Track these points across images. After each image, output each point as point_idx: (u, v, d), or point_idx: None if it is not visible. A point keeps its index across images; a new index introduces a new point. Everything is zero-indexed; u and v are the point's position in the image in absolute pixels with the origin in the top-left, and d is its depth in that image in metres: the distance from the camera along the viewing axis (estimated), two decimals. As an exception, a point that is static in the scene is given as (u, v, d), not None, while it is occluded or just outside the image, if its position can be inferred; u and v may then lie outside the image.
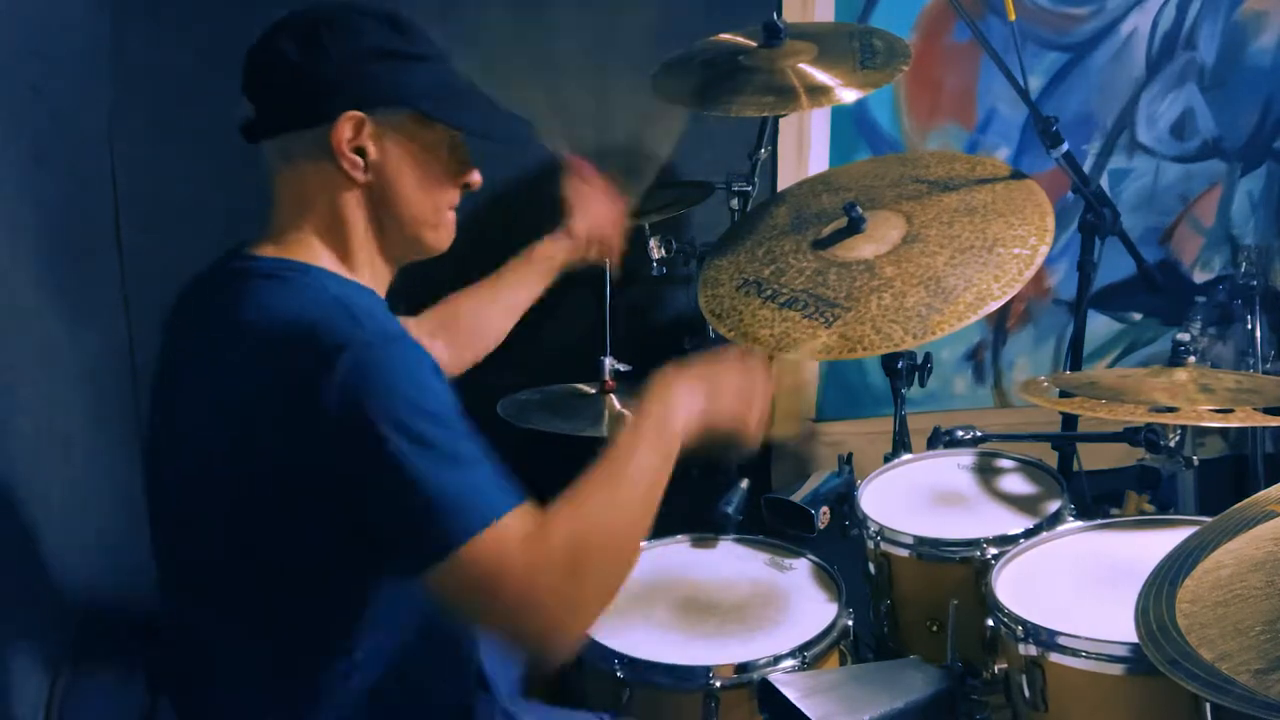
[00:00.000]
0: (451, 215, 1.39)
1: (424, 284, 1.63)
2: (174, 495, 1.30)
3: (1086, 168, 2.63)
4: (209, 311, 1.30)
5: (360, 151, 1.29)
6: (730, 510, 1.99)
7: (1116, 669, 1.44)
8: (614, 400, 2.21)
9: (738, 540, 1.93)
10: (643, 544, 1.33)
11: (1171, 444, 1.90)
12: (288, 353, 1.17)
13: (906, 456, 2.10)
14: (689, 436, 1.35)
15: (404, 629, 1.29)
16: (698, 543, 1.93)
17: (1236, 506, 1.40)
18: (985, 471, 2.03)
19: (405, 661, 1.29)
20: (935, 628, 1.82)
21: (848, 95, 2.05)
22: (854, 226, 2.05)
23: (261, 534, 1.20)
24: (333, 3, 1.32)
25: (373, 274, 1.35)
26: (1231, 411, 1.69)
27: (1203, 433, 2.75)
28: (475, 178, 1.40)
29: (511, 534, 1.15)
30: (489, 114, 1.37)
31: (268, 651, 1.24)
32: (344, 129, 1.28)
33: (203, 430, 1.24)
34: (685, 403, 1.36)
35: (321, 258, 1.31)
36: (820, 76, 2.08)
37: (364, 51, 1.29)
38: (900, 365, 2.20)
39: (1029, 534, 1.77)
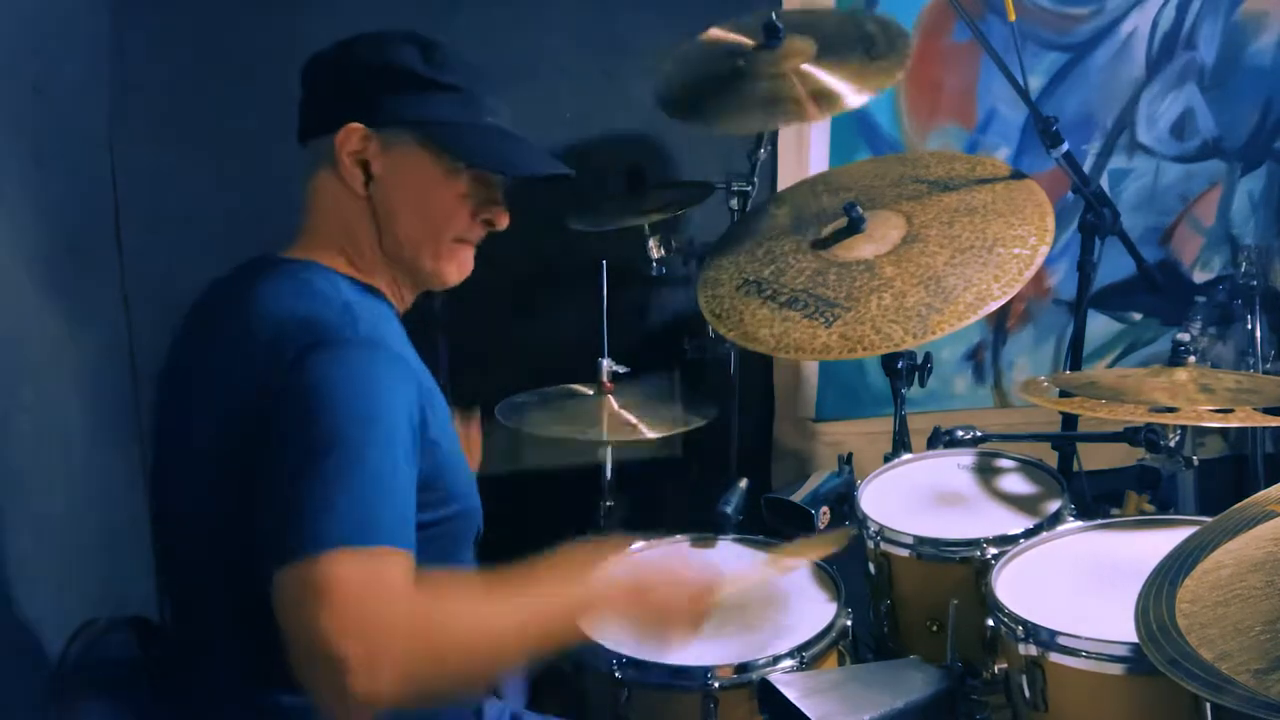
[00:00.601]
0: (462, 249, 1.39)
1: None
2: (173, 491, 1.30)
3: (1086, 168, 2.63)
4: (221, 307, 1.31)
5: (366, 166, 1.31)
6: (730, 510, 1.99)
7: (1116, 669, 1.44)
8: (612, 401, 2.21)
9: (737, 540, 1.93)
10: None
11: (1171, 444, 1.90)
12: (280, 342, 1.18)
13: (906, 456, 2.10)
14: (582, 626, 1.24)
15: None
16: (697, 542, 1.93)
17: (1236, 506, 1.40)
18: (985, 471, 2.03)
19: None
20: (935, 628, 1.82)
21: (855, 100, 2.04)
22: (854, 226, 2.05)
23: (241, 523, 1.18)
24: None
25: (389, 287, 1.37)
26: (1231, 411, 1.69)
27: (1203, 433, 2.75)
28: (500, 219, 1.40)
29: (373, 572, 1.08)
30: (503, 150, 1.37)
31: (266, 650, 1.23)
32: (347, 138, 1.31)
33: (202, 423, 1.24)
34: (614, 602, 1.28)
35: (338, 263, 1.34)
36: (825, 79, 2.06)
37: (383, 69, 1.32)
38: (900, 365, 2.20)
39: (1029, 534, 1.77)
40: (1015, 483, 2.00)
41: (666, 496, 2.46)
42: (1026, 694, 1.53)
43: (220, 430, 1.21)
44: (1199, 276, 2.97)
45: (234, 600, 1.23)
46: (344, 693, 1.04)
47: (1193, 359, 1.85)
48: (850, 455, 2.19)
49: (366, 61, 1.33)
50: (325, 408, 1.12)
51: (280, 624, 1.08)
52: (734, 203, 2.38)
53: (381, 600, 1.07)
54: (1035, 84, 2.67)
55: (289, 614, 1.07)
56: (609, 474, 2.20)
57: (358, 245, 1.35)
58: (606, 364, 2.22)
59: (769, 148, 2.43)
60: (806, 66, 2.10)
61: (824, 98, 2.04)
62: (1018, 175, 2.12)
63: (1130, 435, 1.95)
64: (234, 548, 1.21)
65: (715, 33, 2.27)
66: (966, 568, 1.79)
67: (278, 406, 1.14)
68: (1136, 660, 1.40)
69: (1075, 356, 2.32)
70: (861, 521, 1.91)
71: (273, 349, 1.18)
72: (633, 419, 2.17)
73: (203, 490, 1.24)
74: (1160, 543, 1.42)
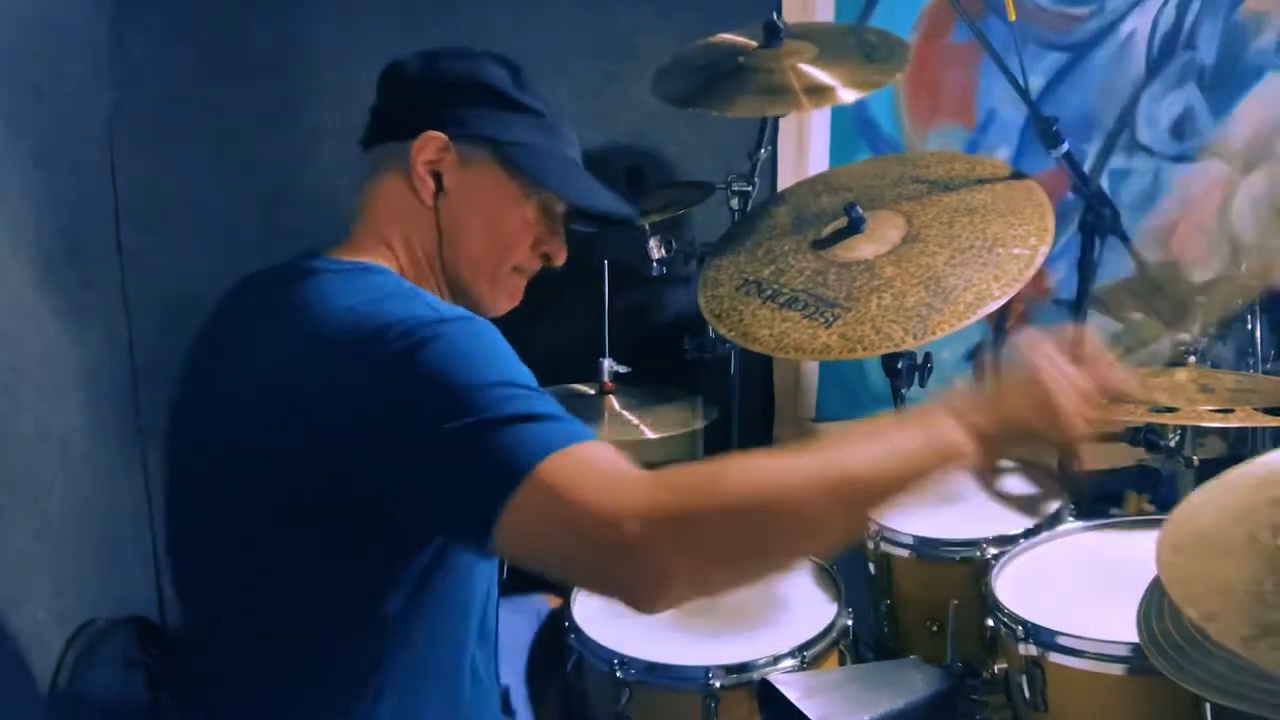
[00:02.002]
0: (516, 279, 1.39)
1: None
2: (203, 498, 1.25)
3: (1086, 168, 2.62)
4: (267, 306, 1.25)
5: (438, 177, 1.31)
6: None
7: (1116, 669, 1.44)
8: (614, 401, 2.21)
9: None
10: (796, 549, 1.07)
11: (1171, 444, 1.90)
12: (363, 341, 1.12)
13: (906, 456, 2.10)
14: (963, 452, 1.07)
15: (434, 652, 1.27)
16: None
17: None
18: (985, 471, 2.03)
19: (435, 685, 1.28)
20: (935, 628, 1.82)
21: (847, 95, 2.06)
22: (854, 226, 2.05)
23: (295, 537, 1.17)
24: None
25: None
26: (1231, 411, 1.69)
27: (1203, 433, 2.74)
28: (559, 254, 1.40)
29: (600, 455, 1.04)
30: (578, 183, 1.37)
31: (270, 650, 1.23)
32: (425, 146, 1.30)
33: (251, 429, 1.18)
34: (958, 418, 1.08)
35: (391, 266, 1.31)
36: (820, 76, 2.09)
37: (471, 83, 1.32)
38: (900, 365, 2.20)
39: (1029, 534, 1.77)
40: (1015, 483, 2.00)
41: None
42: (1026, 694, 1.53)
43: (277, 435, 1.15)
44: (1199, 276, 2.97)
45: (243, 600, 1.23)
46: (634, 577, 0.99)
47: (1193, 359, 1.85)
48: (850, 455, 2.18)
49: (454, 73, 1.33)
50: (461, 376, 1.08)
51: (537, 558, 1.04)
52: (734, 203, 2.38)
53: (618, 469, 1.02)
54: (1035, 84, 2.67)
55: (539, 538, 1.03)
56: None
57: (413, 254, 1.33)
58: (608, 364, 2.22)
59: (769, 148, 2.43)
60: (804, 65, 2.11)
61: (817, 91, 2.06)
62: (1018, 175, 2.12)
63: (1130, 435, 1.95)
64: (253, 547, 1.20)
65: (720, 36, 2.29)
66: (966, 568, 1.79)
67: (395, 399, 1.08)
68: (1136, 660, 1.40)
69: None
70: (861, 521, 1.91)
71: (360, 345, 1.12)
72: (634, 419, 2.17)
73: (235, 492, 1.19)
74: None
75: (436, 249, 1.33)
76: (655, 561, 0.99)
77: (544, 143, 1.35)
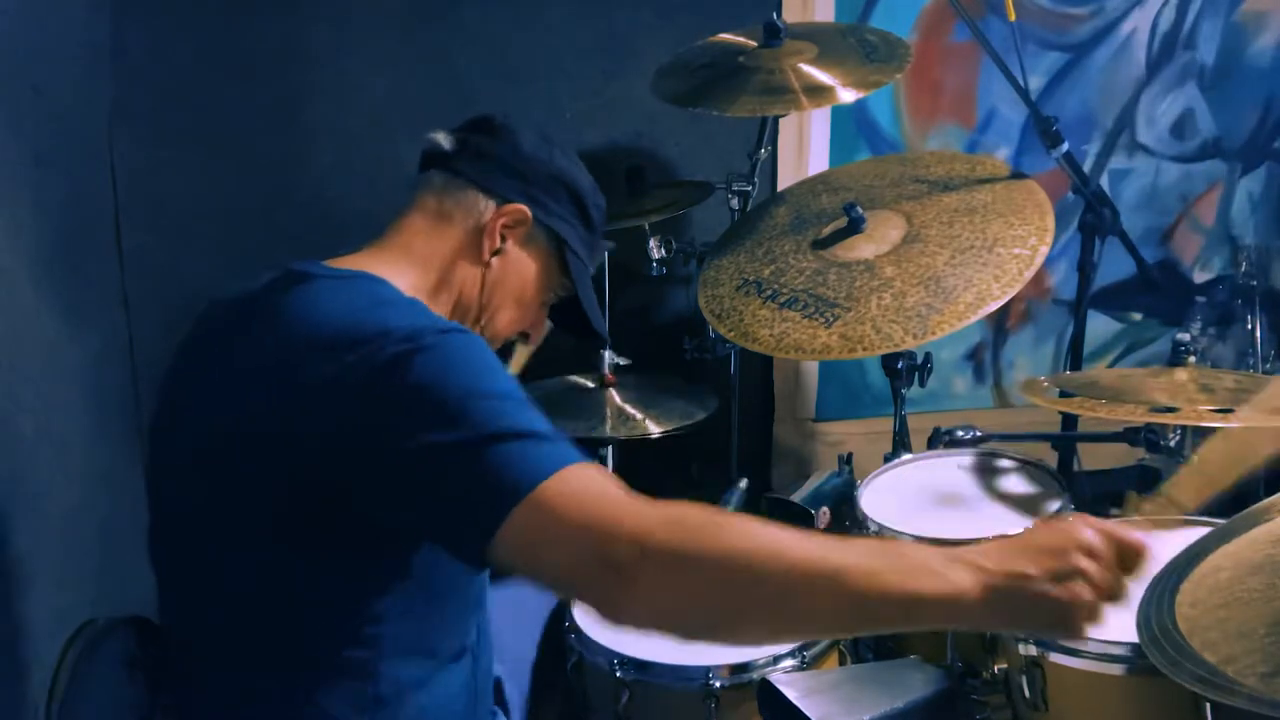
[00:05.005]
0: (498, 341, 1.49)
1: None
2: (195, 506, 1.25)
3: (1086, 168, 2.63)
4: (263, 309, 1.26)
5: (501, 239, 1.41)
6: (730, 509, 1.99)
7: (1116, 669, 1.44)
8: (614, 395, 2.20)
9: None
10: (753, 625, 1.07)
11: (1171, 444, 1.90)
12: (363, 342, 1.14)
13: (906, 456, 2.10)
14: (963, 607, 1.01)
15: (430, 650, 1.28)
16: None
17: (1248, 511, 1.39)
18: (985, 471, 2.03)
19: (430, 683, 1.28)
20: (935, 628, 1.82)
21: (847, 95, 2.07)
22: (854, 226, 2.05)
23: (290, 542, 1.17)
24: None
25: None
26: (1231, 411, 1.69)
27: (1202, 433, 2.75)
28: (536, 335, 1.56)
29: (596, 477, 1.07)
30: (592, 299, 1.53)
31: (266, 649, 1.23)
32: (510, 212, 1.40)
33: (244, 426, 1.19)
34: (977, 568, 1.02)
35: (400, 283, 1.32)
36: (820, 76, 2.09)
37: (569, 183, 1.47)
38: (900, 365, 2.20)
39: (1029, 534, 1.77)
40: (1015, 483, 2.00)
41: (666, 497, 2.46)
42: (1026, 694, 1.53)
43: (265, 441, 1.17)
44: (1199, 276, 2.97)
45: (235, 599, 1.23)
46: (616, 596, 1.02)
47: (1193, 359, 1.85)
48: (850, 455, 2.18)
49: (561, 168, 1.46)
50: (460, 389, 1.10)
51: (525, 569, 1.07)
52: (734, 203, 2.38)
53: (615, 492, 1.06)
54: (1035, 84, 2.67)
55: (532, 553, 1.05)
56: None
57: (451, 290, 1.40)
58: (609, 356, 2.22)
59: (769, 148, 2.43)
60: (804, 65, 2.11)
61: (817, 91, 2.07)
62: (1018, 175, 2.12)
63: (1130, 435, 1.95)
64: (240, 546, 1.20)
65: (720, 36, 2.29)
66: (967, 568, 1.78)
67: (392, 403, 1.10)
68: (1136, 660, 1.40)
69: (1075, 356, 2.32)
70: (861, 522, 1.91)
71: (360, 346, 1.14)
72: (635, 413, 2.16)
73: (235, 508, 1.20)
74: (1161, 543, 1.42)
75: (477, 295, 1.42)
76: (639, 586, 1.02)
77: (586, 256, 1.51)
